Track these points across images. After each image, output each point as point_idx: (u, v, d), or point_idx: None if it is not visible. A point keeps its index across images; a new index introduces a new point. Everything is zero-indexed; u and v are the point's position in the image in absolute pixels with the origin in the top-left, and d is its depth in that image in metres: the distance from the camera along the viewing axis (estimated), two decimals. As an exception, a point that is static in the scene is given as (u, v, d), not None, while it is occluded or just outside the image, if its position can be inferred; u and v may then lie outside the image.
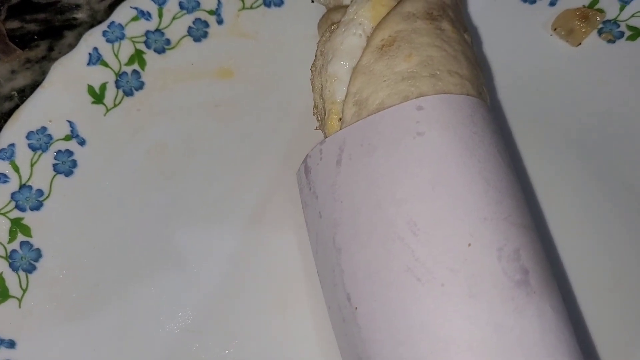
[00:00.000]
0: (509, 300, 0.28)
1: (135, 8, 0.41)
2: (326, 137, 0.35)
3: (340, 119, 0.35)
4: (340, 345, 0.33)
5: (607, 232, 0.39)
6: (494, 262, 0.29)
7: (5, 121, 0.42)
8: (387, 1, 0.36)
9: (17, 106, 0.43)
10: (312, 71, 0.38)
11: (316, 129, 0.39)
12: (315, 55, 0.38)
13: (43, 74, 0.45)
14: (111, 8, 0.46)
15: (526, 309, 0.28)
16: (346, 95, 0.35)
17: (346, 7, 0.38)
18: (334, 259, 0.32)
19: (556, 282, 0.31)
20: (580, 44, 0.43)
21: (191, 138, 0.41)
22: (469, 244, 0.29)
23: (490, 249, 0.29)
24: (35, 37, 0.46)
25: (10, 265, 0.36)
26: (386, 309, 0.29)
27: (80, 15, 0.47)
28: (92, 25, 0.46)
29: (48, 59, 0.45)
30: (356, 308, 0.31)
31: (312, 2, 0.41)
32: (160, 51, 0.42)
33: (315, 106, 0.38)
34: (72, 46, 0.45)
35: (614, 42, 0.43)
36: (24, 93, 0.44)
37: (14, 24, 0.46)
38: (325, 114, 0.36)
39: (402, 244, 0.30)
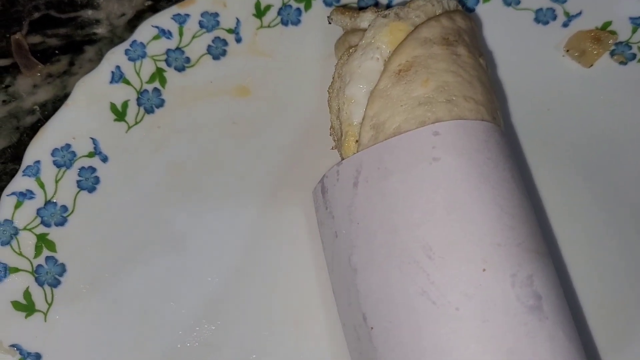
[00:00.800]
0: (521, 325, 0.29)
1: (157, 27, 0.42)
2: (342, 158, 0.36)
3: (357, 141, 0.36)
4: None
5: (619, 256, 0.40)
6: (507, 288, 0.30)
7: (28, 135, 0.44)
8: (405, 26, 0.37)
9: (39, 120, 0.45)
10: (329, 93, 0.39)
11: (332, 149, 0.40)
12: (333, 77, 0.38)
13: (64, 88, 0.46)
14: (130, 23, 0.48)
15: (538, 334, 0.29)
16: (363, 118, 0.36)
17: (363, 30, 0.38)
18: (350, 279, 0.33)
19: (568, 307, 0.32)
20: (592, 65, 0.44)
21: (209, 155, 0.42)
22: (484, 269, 0.30)
23: (504, 275, 0.30)
24: (57, 51, 0.47)
25: (36, 280, 0.37)
26: (401, 330, 0.30)
27: (100, 30, 0.47)
28: (112, 41, 0.47)
29: (69, 74, 0.46)
30: (372, 328, 0.32)
31: (330, 23, 0.42)
32: (180, 69, 0.43)
33: (332, 127, 0.39)
34: (92, 61, 0.46)
35: (626, 64, 0.44)
36: (46, 107, 0.45)
37: (36, 39, 0.47)
38: (342, 135, 0.37)
39: (417, 267, 0.31)
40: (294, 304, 0.39)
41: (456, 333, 0.29)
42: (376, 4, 0.45)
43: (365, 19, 0.39)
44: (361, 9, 0.42)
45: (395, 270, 0.31)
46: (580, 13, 0.44)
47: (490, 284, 0.30)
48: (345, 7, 0.43)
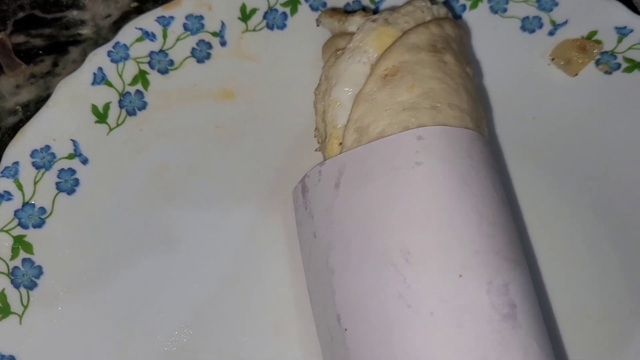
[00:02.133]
0: (495, 333, 0.29)
1: (140, 29, 0.42)
2: (326, 160, 0.36)
3: (340, 144, 0.36)
4: None
5: (598, 266, 0.40)
6: (483, 295, 0.30)
7: (9, 136, 0.44)
8: (393, 31, 0.37)
9: (20, 121, 0.44)
10: (315, 94, 0.39)
11: (316, 151, 0.40)
12: (320, 79, 0.38)
13: (47, 89, 0.45)
14: (116, 24, 0.47)
15: (511, 342, 0.29)
16: (348, 121, 0.36)
17: (351, 34, 0.38)
18: (327, 280, 0.33)
19: (542, 317, 0.32)
20: (577, 74, 0.44)
21: (192, 158, 0.42)
22: (460, 275, 0.30)
23: (480, 282, 0.30)
24: (41, 52, 0.46)
25: (12, 282, 0.37)
26: (375, 332, 0.30)
27: (85, 31, 0.47)
28: (96, 42, 0.47)
29: (52, 75, 0.46)
30: (345, 329, 0.32)
31: (318, 26, 0.41)
32: (163, 72, 0.42)
33: (316, 128, 0.39)
34: (76, 62, 0.46)
35: (610, 73, 0.44)
36: (28, 108, 0.45)
37: (20, 39, 0.47)
38: (326, 137, 0.37)
39: (394, 270, 0.31)
40: (273, 308, 0.39)
41: (430, 338, 0.29)
42: (363, 9, 0.45)
43: (354, 23, 0.39)
44: (349, 12, 0.42)
45: (372, 272, 0.31)
46: (566, 22, 0.44)
47: (466, 290, 0.30)
48: (334, 10, 0.43)
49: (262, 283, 0.39)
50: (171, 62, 0.43)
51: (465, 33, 0.40)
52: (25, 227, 0.38)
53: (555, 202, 0.41)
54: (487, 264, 0.30)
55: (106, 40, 0.46)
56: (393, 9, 0.38)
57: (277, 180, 0.42)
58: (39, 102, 0.45)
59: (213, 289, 0.39)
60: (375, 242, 0.31)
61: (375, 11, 0.45)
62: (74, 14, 0.47)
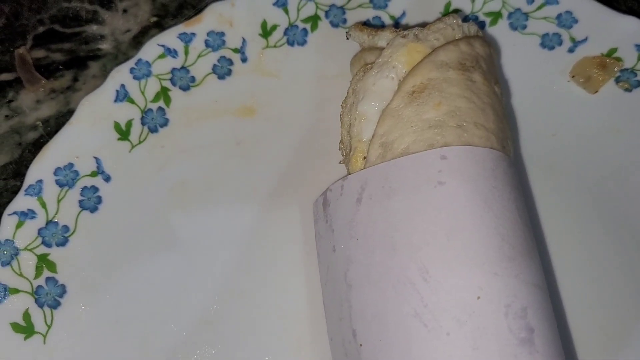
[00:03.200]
0: (511, 357, 0.29)
1: (162, 45, 0.42)
2: (349, 173, 0.36)
3: (364, 158, 0.36)
4: None
5: (623, 289, 0.40)
6: (500, 318, 0.30)
7: (29, 151, 0.44)
8: (423, 48, 0.37)
9: (41, 136, 0.44)
10: (342, 107, 0.39)
11: (340, 163, 0.40)
12: (347, 92, 0.38)
13: (67, 104, 0.45)
14: (135, 39, 0.47)
15: None
16: (373, 136, 0.36)
17: (380, 48, 0.38)
18: (344, 294, 0.33)
19: (561, 343, 0.32)
20: (597, 91, 0.44)
21: (213, 175, 0.42)
22: (478, 297, 0.30)
23: (498, 305, 0.30)
24: (60, 67, 0.46)
25: (36, 301, 0.37)
26: (390, 350, 0.30)
27: (105, 46, 0.47)
28: (116, 56, 0.47)
29: (72, 90, 0.46)
30: (360, 345, 0.32)
31: (348, 39, 0.41)
32: (185, 88, 0.42)
33: (341, 141, 0.39)
34: (96, 77, 0.46)
35: (630, 90, 0.44)
36: (49, 123, 0.45)
37: (40, 53, 0.47)
38: (350, 150, 0.37)
39: (412, 288, 0.31)
40: (283, 318, 0.39)
41: (445, 358, 0.29)
42: (395, 25, 0.45)
43: (384, 38, 0.39)
44: (379, 27, 0.42)
45: (390, 289, 0.31)
46: (586, 39, 0.44)
47: (483, 312, 0.30)
48: (364, 24, 0.43)
49: (279, 296, 0.39)
50: (193, 79, 0.43)
51: (495, 52, 0.40)
52: (48, 245, 0.38)
53: (576, 220, 0.41)
54: (506, 287, 0.30)
55: (126, 55, 0.46)
56: (423, 25, 0.38)
57: (297, 196, 0.42)
58: (59, 118, 0.45)
59: (231, 306, 0.39)
60: (394, 259, 0.31)
61: (395, 26, 0.45)
62: (93, 28, 0.47)
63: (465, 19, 0.45)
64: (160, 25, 0.48)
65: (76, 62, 0.47)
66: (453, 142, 0.34)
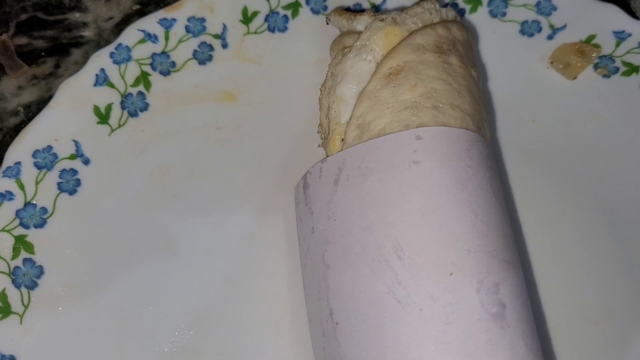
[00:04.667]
0: (483, 331, 0.29)
1: (143, 31, 0.42)
2: (327, 156, 0.36)
3: (342, 140, 0.36)
4: (317, 359, 0.34)
5: (596, 268, 0.40)
6: (472, 294, 0.30)
7: (11, 137, 0.44)
8: (400, 31, 0.37)
9: (22, 122, 0.44)
10: (321, 91, 0.39)
11: (319, 146, 0.40)
12: (326, 76, 0.39)
13: (49, 90, 0.45)
14: (118, 27, 0.48)
15: (499, 342, 0.30)
16: (350, 118, 0.36)
17: (359, 32, 0.39)
18: (321, 274, 0.33)
19: (533, 318, 0.32)
20: (576, 78, 0.44)
21: (193, 160, 0.42)
22: (451, 273, 0.30)
23: (470, 280, 0.30)
24: (43, 53, 0.47)
25: (13, 281, 0.37)
26: (365, 327, 0.31)
27: (88, 33, 0.47)
28: (98, 44, 0.47)
29: (54, 76, 0.46)
30: (337, 323, 0.32)
31: (327, 24, 0.42)
32: (165, 73, 0.43)
33: (320, 124, 0.39)
34: (78, 64, 0.46)
35: (609, 77, 0.44)
36: (30, 109, 0.45)
37: (22, 40, 0.47)
38: (329, 133, 0.37)
39: (387, 266, 0.31)
40: (273, 309, 0.39)
41: (418, 333, 0.29)
42: (375, 11, 0.45)
43: (362, 22, 0.40)
44: (358, 12, 0.43)
45: (365, 267, 0.31)
46: (565, 26, 0.44)
47: (455, 288, 0.30)
48: (343, 9, 0.43)
49: (261, 284, 0.39)
50: (173, 64, 0.43)
51: (473, 36, 0.40)
52: (26, 227, 0.38)
53: (553, 204, 0.42)
54: (479, 264, 0.31)
55: (108, 42, 0.46)
56: (402, 9, 0.38)
57: (278, 181, 0.42)
58: (41, 103, 0.45)
59: (213, 290, 0.39)
60: (370, 238, 0.32)
61: (375, 12, 0.45)
62: (76, 16, 0.48)
63: (446, 5, 0.45)
64: (142, 13, 0.48)
65: (58, 49, 0.47)
66: (428, 122, 0.34)
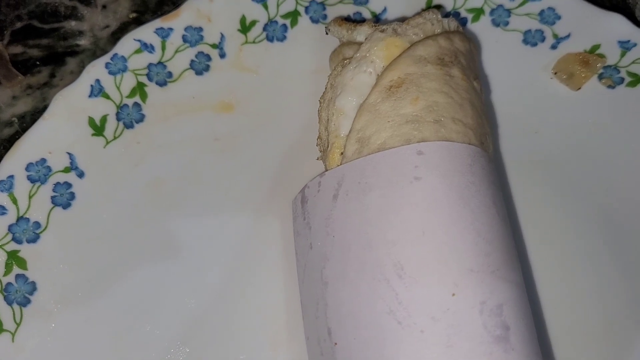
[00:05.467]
0: (486, 354, 0.29)
1: (139, 40, 0.41)
2: (327, 169, 0.36)
3: (341, 154, 0.35)
4: None
5: (602, 284, 0.39)
6: (475, 315, 0.29)
7: (5, 148, 0.43)
8: (401, 42, 0.36)
9: (17, 132, 0.44)
10: (320, 102, 0.38)
11: (318, 159, 0.39)
12: (325, 88, 0.38)
13: (44, 100, 0.45)
14: (114, 35, 0.47)
15: None
16: (350, 131, 0.35)
17: (359, 43, 0.38)
18: (320, 292, 0.33)
19: (537, 340, 0.32)
20: (580, 88, 0.43)
21: (190, 171, 0.41)
22: (453, 294, 0.29)
23: (473, 302, 0.29)
24: (38, 62, 0.46)
25: (5, 298, 0.36)
26: (364, 348, 0.30)
27: (83, 42, 0.47)
28: (94, 53, 0.46)
29: (49, 86, 0.45)
30: (335, 344, 0.31)
31: (327, 34, 0.41)
32: (162, 84, 0.42)
33: (319, 137, 0.38)
34: (73, 73, 0.46)
35: (614, 87, 0.43)
36: (24, 119, 0.44)
37: (17, 49, 0.46)
38: (328, 146, 0.37)
39: (387, 285, 0.30)
40: (270, 322, 0.38)
41: (419, 356, 0.29)
42: (376, 21, 0.44)
43: (362, 33, 0.39)
44: (358, 22, 0.42)
45: (365, 286, 0.31)
46: (568, 35, 0.43)
47: (458, 309, 0.29)
48: (343, 19, 0.42)
49: (257, 299, 0.39)
50: (170, 74, 0.42)
51: (476, 47, 0.39)
52: (19, 242, 0.37)
53: (557, 216, 0.41)
54: (482, 284, 0.30)
55: (104, 51, 0.46)
56: (403, 20, 0.38)
57: (276, 193, 0.41)
58: (36, 114, 0.44)
59: (208, 305, 0.38)
60: (370, 256, 0.31)
61: (376, 22, 0.44)
62: (72, 24, 0.47)
63: (447, 15, 0.44)
64: (139, 22, 0.47)
65: (54, 58, 0.46)
66: (430, 137, 0.33)
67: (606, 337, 0.38)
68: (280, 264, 0.39)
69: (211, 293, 0.39)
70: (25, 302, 0.37)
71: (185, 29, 0.42)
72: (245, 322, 0.38)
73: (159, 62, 0.42)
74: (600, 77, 0.43)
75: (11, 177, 0.38)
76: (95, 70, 0.40)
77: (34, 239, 0.38)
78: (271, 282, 0.39)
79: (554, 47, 0.44)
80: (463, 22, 0.44)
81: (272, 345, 0.38)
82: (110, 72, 0.41)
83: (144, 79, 0.41)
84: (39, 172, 0.38)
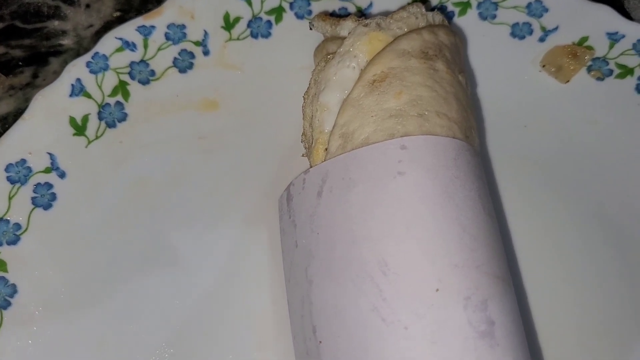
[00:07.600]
0: (471, 350, 0.28)
1: (120, 39, 0.41)
2: (311, 166, 0.35)
3: (326, 149, 0.35)
4: None
5: (592, 279, 0.39)
6: (459, 311, 0.29)
7: (-13, 149, 0.42)
8: (385, 37, 0.36)
9: (-1, 134, 0.43)
10: (304, 99, 0.38)
11: (303, 156, 0.39)
12: (309, 83, 0.38)
13: (26, 101, 0.44)
14: (98, 35, 0.46)
15: None
16: (333, 127, 0.35)
17: (343, 38, 0.38)
18: (305, 290, 0.32)
19: (524, 335, 0.31)
20: (569, 81, 0.43)
21: (174, 171, 0.41)
22: (437, 289, 0.29)
23: (457, 297, 0.29)
24: (20, 63, 0.45)
25: (-15, 301, 0.36)
26: (349, 346, 0.30)
27: (67, 41, 0.46)
28: (78, 52, 0.46)
29: (32, 86, 0.45)
30: (320, 342, 0.31)
31: (311, 29, 0.40)
32: (144, 82, 0.41)
33: (304, 133, 0.38)
34: (57, 73, 0.45)
35: (602, 79, 0.43)
36: (7, 120, 0.44)
37: (-1, 50, 0.46)
38: (312, 142, 0.36)
39: (371, 282, 0.30)
40: (256, 325, 0.38)
41: (403, 353, 0.28)
42: (361, 16, 0.44)
43: (346, 27, 0.38)
44: (342, 16, 0.41)
45: (349, 284, 0.30)
46: (556, 28, 0.43)
47: (442, 305, 0.29)
48: (327, 14, 0.42)
49: (244, 299, 0.38)
50: (152, 73, 0.41)
51: (461, 41, 0.39)
52: (-1, 244, 0.37)
53: (546, 212, 0.40)
54: (466, 279, 0.29)
55: (88, 50, 0.45)
56: (387, 14, 0.37)
57: (263, 192, 0.40)
58: (18, 115, 0.43)
59: (194, 306, 0.38)
60: (354, 252, 0.31)
61: (362, 15, 0.44)
62: (55, 24, 0.46)
63: (434, 9, 0.44)
64: (123, 20, 0.46)
65: (36, 58, 0.46)
66: (414, 131, 0.33)
67: (596, 335, 0.37)
68: (267, 263, 0.39)
69: (198, 294, 0.38)
70: (5, 305, 0.36)
71: (168, 27, 0.41)
72: (232, 323, 0.38)
73: (142, 60, 0.41)
74: (589, 69, 0.43)
75: (-9, 178, 0.37)
76: (76, 69, 0.40)
77: (14, 241, 0.37)
78: (258, 282, 0.38)
79: (542, 39, 0.43)
80: (450, 15, 0.44)
81: (259, 346, 0.37)
82: (91, 71, 0.40)
83: (126, 78, 0.41)
84: (18, 172, 0.38)
